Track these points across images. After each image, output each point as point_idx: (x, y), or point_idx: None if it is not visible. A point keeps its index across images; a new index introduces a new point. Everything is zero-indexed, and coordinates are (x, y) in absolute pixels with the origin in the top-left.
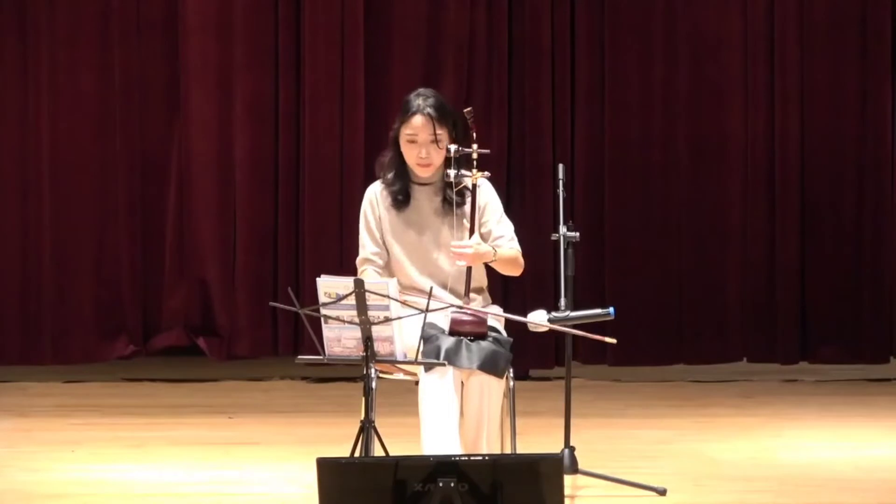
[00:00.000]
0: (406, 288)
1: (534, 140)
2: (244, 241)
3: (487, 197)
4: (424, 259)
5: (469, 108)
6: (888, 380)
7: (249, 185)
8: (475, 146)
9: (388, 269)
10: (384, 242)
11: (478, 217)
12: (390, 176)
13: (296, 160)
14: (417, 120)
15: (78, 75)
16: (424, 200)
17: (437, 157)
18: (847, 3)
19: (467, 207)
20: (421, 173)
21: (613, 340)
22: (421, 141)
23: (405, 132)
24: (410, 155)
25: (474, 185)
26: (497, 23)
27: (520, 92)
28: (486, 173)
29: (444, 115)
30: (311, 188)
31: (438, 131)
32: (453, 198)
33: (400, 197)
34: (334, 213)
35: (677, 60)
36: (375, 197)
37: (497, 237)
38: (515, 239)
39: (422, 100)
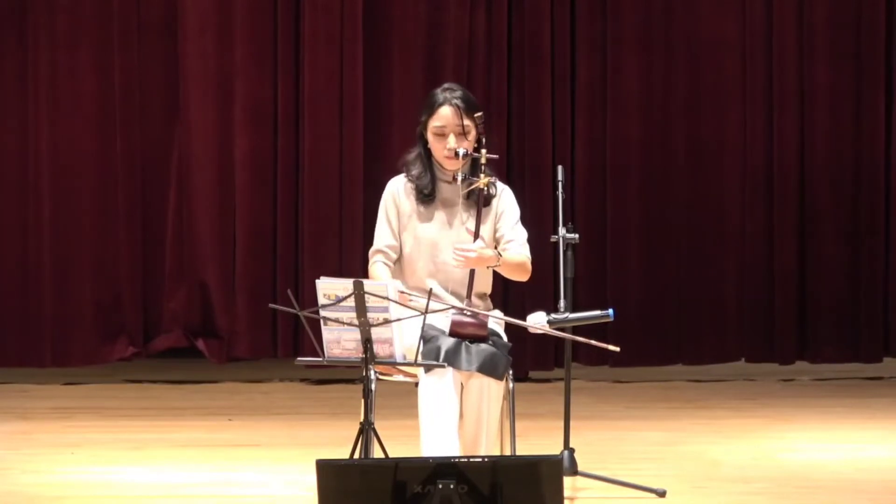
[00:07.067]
0: (412, 287)
1: (533, 142)
2: (244, 244)
3: (506, 204)
4: (434, 259)
5: (480, 114)
6: (881, 378)
7: (249, 188)
8: (484, 151)
9: (398, 264)
10: (400, 236)
11: (493, 222)
12: (416, 171)
13: (295, 163)
14: (445, 111)
15: (78, 77)
16: (446, 200)
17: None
18: (844, 7)
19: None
20: (449, 166)
21: (616, 349)
22: (449, 133)
23: (433, 124)
24: (439, 148)
25: (482, 190)
26: (497, 25)
27: (519, 94)
28: (494, 178)
29: (471, 108)
30: (311, 190)
31: (466, 122)
32: (464, 196)
33: (426, 191)
34: (334, 216)
35: (676, 63)
36: (398, 189)
37: (508, 240)
38: (527, 246)
39: (448, 92)
